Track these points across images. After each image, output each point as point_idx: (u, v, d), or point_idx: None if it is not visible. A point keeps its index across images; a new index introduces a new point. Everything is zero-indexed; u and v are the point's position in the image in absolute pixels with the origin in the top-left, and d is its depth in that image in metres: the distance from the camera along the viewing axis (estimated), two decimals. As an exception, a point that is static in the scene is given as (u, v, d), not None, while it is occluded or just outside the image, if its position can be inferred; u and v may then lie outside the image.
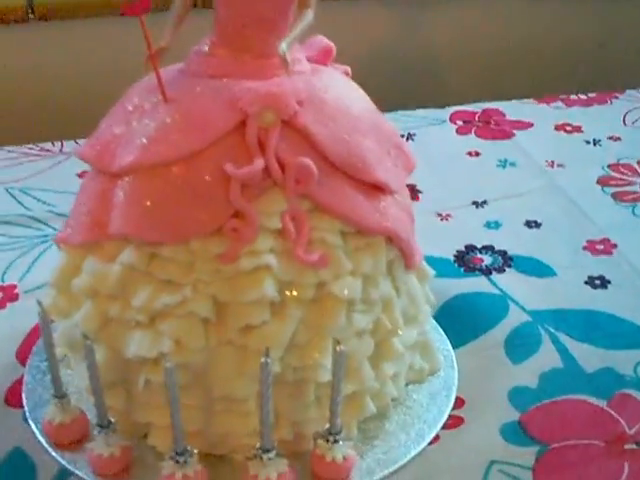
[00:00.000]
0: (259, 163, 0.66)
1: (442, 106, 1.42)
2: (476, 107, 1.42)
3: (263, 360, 0.65)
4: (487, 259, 1.02)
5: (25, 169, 1.21)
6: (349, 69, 0.80)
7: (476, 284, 0.98)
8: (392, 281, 0.75)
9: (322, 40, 0.78)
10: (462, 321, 0.91)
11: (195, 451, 0.71)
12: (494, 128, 1.35)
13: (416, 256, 0.77)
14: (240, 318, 0.68)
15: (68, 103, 1.47)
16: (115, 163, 0.70)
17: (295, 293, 0.69)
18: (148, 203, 0.68)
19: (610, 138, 1.31)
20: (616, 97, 1.45)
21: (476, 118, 1.38)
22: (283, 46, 0.67)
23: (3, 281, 0.98)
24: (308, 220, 0.69)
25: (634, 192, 1.16)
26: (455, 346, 0.87)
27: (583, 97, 1.45)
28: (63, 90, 1.48)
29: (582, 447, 0.77)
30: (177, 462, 0.70)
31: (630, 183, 1.18)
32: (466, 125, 1.36)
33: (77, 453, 0.76)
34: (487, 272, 0.99)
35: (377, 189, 0.72)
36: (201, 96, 0.70)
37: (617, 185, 1.18)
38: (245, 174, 0.66)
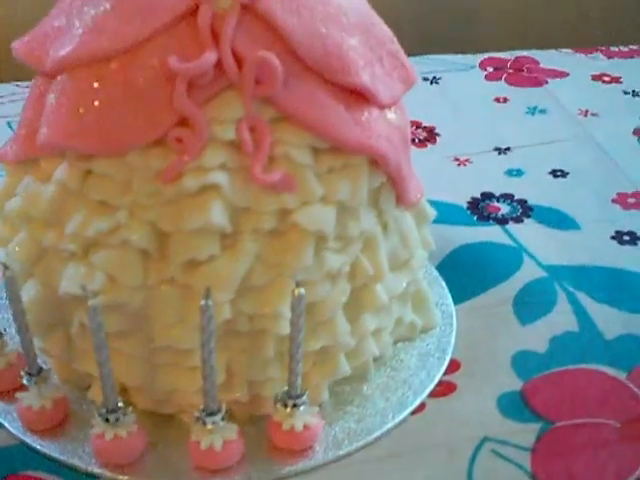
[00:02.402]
0: (210, 56, 0.49)
1: (473, 52, 1.24)
2: (509, 54, 1.23)
3: (203, 302, 0.49)
4: (504, 208, 0.84)
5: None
6: None
7: (489, 234, 0.79)
8: (378, 215, 0.58)
9: None
10: (468, 274, 0.73)
11: (130, 409, 0.55)
12: (526, 75, 1.16)
13: (412, 191, 0.60)
14: (183, 250, 0.52)
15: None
16: (48, 60, 0.54)
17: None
18: (81, 107, 0.52)
19: (651, 90, 1.12)
20: (661, 48, 1.25)
21: (508, 65, 1.19)
22: None
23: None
24: (270, 131, 0.51)
25: (673, 145, 0.97)
26: (457, 301, 0.70)
27: (624, 49, 1.25)
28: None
29: (594, 427, 0.59)
30: (107, 420, 0.54)
31: (670, 136, 0.99)
32: (496, 71, 1.16)
33: (13, 404, 0.60)
34: (503, 222, 0.81)
35: (361, 98, 0.54)
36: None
37: (655, 137, 0.99)
38: (192, 69, 0.49)
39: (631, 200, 0.85)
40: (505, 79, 1.15)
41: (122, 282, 0.53)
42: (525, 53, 1.23)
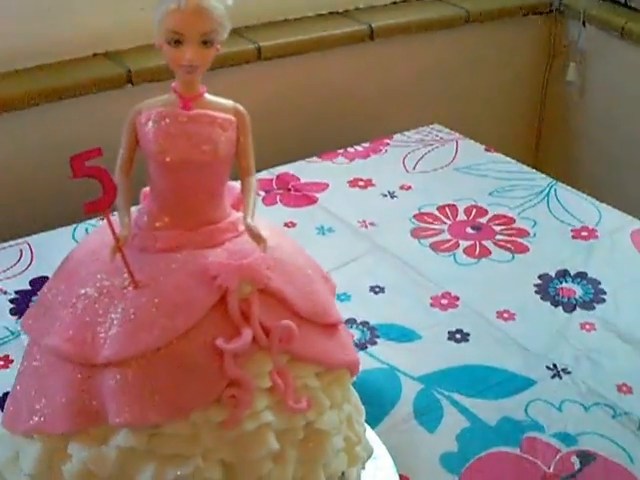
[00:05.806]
0: (248, 334, 0.73)
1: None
2: (269, 173, 1.47)
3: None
4: (357, 333, 1.08)
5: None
6: None
7: (363, 362, 1.04)
8: (349, 399, 0.83)
9: (236, 187, 0.82)
10: (366, 401, 0.94)
11: None
12: (296, 194, 1.41)
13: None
14: (250, 475, 0.74)
15: None
16: (100, 354, 0.73)
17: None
18: (147, 388, 0.72)
19: (402, 188, 1.41)
20: (388, 144, 1.56)
21: (274, 185, 1.44)
22: (249, 222, 0.74)
23: None
24: (290, 371, 0.75)
25: (447, 240, 1.27)
26: (373, 426, 0.94)
27: (359, 148, 1.54)
28: None
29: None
30: None
31: (439, 232, 1.29)
32: (269, 195, 1.41)
33: None
34: (363, 347, 1.06)
35: (334, 326, 0.81)
36: (173, 275, 0.74)
37: (430, 235, 1.28)
38: (237, 347, 0.72)
39: (444, 301, 1.14)
40: (281, 201, 1.40)
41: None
42: (281, 169, 1.48)
